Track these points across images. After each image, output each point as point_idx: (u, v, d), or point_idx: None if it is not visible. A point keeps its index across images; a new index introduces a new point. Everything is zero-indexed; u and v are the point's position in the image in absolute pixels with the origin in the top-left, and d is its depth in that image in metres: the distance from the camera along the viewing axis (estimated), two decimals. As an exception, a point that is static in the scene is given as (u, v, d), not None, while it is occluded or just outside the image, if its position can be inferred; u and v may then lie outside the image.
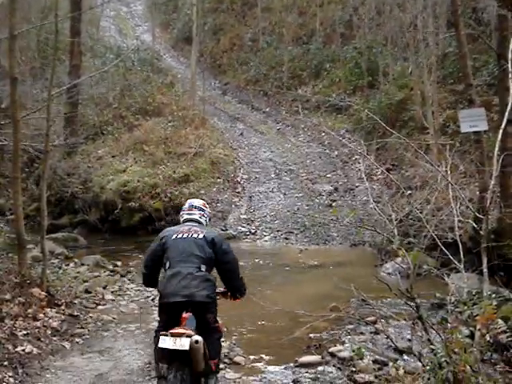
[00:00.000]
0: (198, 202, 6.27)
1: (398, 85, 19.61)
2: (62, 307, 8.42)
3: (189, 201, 6.36)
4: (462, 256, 6.34)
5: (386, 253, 12.46)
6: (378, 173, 17.14)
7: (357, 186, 17.41)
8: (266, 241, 15.65)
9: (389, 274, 11.20)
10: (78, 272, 11.45)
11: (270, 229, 16.29)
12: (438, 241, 6.56)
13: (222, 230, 16.52)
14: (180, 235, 5.74)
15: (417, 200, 11.70)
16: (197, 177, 18.61)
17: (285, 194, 18.06)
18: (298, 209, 16.96)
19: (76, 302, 8.85)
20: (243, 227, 16.61)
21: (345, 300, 9.70)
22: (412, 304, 5.27)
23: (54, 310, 8.24)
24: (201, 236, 5.70)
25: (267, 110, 25.49)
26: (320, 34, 26.48)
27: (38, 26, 17.67)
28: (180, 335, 5.09)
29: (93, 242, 16.10)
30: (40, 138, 15.93)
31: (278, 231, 16.09)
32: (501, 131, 7.50)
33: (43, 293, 8.34)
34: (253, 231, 16.33)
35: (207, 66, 28.72)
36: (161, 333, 5.23)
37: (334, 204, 16.91)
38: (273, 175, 19.38)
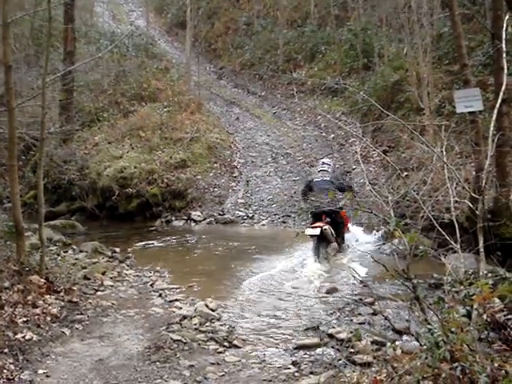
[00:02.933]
0: (326, 160, 13.09)
1: (393, 66, 19.57)
2: (61, 294, 8.45)
3: (320, 160, 13.39)
4: (458, 236, 6.37)
5: (382, 234, 12.52)
6: (375, 155, 17.16)
7: (353, 169, 17.42)
8: (264, 225, 15.67)
9: (386, 255, 11.24)
10: (76, 259, 11.47)
11: (267, 213, 16.32)
12: (435, 221, 6.59)
13: (220, 214, 16.56)
14: (318, 179, 11.83)
15: (413, 181, 11.73)
16: (193, 162, 18.61)
17: (282, 178, 18.07)
18: (294, 192, 16.98)
19: (75, 288, 8.86)
20: (240, 211, 16.64)
21: (343, 281, 9.77)
22: (409, 284, 5.29)
23: (53, 296, 8.26)
24: (327, 178, 11.74)
25: (263, 93, 25.46)
26: (315, 17, 26.41)
27: (32, 13, 17.56)
28: (315, 227, 10.93)
29: (91, 229, 16.13)
30: (36, 125, 15.91)
31: (275, 215, 16.11)
32: (496, 111, 7.51)
33: (42, 280, 8.36)
34: (250, 215, 16.35)
35: (202, 50, 28.64)
36: (307, 226, 11.42)
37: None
38: (269, 159, 19.39)
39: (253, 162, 19.35)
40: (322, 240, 10.99)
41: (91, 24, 27.37)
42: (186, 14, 25.34)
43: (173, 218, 16.98)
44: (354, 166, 17.42)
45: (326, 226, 10.97)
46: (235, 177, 18.65)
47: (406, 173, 13.10)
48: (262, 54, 26.99)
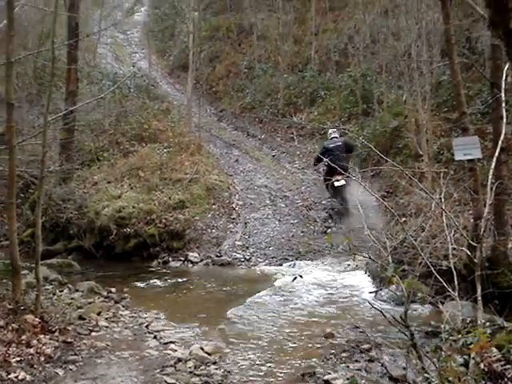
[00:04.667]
0: (333, 129, 18.40)
1: (392, 112, 19.75)
2: (56, 334, 8.39)
3: (330, 130, 18.47)
4: (456, 284, 6.37)
5: (380, 280, 12.46)
6: (373, 200, 17.19)
7: (352, 213, 17.42)
8: (261, 267, 15.62)
9: (383, 301, 11.19)
10: (72, 298, 11.40)
11: (265, 255, 16.27)
12: (433, 268, 6.59)
13: (217, 256, 16.50)
14: (332, 144, 17.21)
15: (411, 227, 11.76)
16: (192, 203, 18.62)
17: (280, 221, 18.07)
18: (292, 235, 16.97)
19: (70, 328, 8.80)
20: (238, 253, 16.58)
21: (340, 327, 9.71)
22: (406, 332, 5.27)
23: (47, 336, 8.20)
24: (339, 143, 17.21)
25: (262, 136, 25.58)
26: (315, 62, 26.67)
27: (36, 53, 17.76)
28: (339, 180, 16.38)
29: (87, 268, 16.05)
30: (36, 163, 15.98)
31: (272, 258, 16.07)
32: (494, 159, 7.57)
33: (37, 319, 8.31)
34: (247, 257, 16.30)
35: (203, 92, 28.84)
36: (332, 179, 16.34)
37: (328, 231, 16.93)
38: (268, 201, 19.41)
39: (251, 204, 19.36)
40: (344, 187, 16.66)
41: (94, 65, 27.64)
42: (188, 56, 25.62)
43: (170, 259, 16.91)
44: (353, 211, 17.42)
45: (344, 178, 16.25)
46: (233, 218, 18.64)
47: (404, 218, 13.13)
48: (263, 97, 27.19)
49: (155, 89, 28.79)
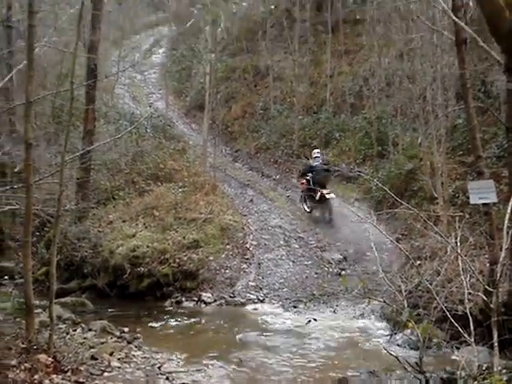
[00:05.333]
0: (317, 151, 20.70)
1: (407, 155, 19.77)
2: (68, 374, 8.35)
3: (314, 151, 20.84)
4: (472, 329, 6.30)
5: (395, 324, 12.35)
6: (388, 242, 17.12)
7: (366, 255, 17.36)
8: (274, 309, 15.52)
9: (398, 345, 11.08)
10: (84, 338, 11.37)
11: (278, 297, 16.18)
12: (448, 313, 6.55)
13: (230, 296, 16.44)
14: (315, 163, 19.94)
15: (426, 271, 11.68)
16: (206, 243, 18.60)
17: (294, 262, 18.00)
18: (306, 277, 16.90)
19: (82, 368, 8.76)
20: (251, 294, 16.51)
21: (354, 371, 9.61)
22: (421, 378, 5.21)
23: (60, 376, 8.17)
24: (322, 162, 19.99)
25: (277, 177, 25.63)
26: (330, 104, 26.82)
27: (54, 93, 17.99)
28: (329, 193, 19.23)
29: (101, 307, 16.04)
30: (52, 202, 16.07)
31: (286, 299, 15.97)
32: (510, 203, 7.54)
33: (50, 359, 8.29)
34: (261, 298, 16.22)
35: (219, 132, 28.99)
36: (318, 192, 19.33)
37: (343, 273, 16.84)
38: (282, 242, 19.36)
39: (265, 244, 19.32)
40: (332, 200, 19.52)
41: (111, 105, 27.92)
42: (205, 97, 25.83)
43: (183, 299, 16.85)
44: (367, 253, 17.35)
45: (332, 191, 19.60)
46: (247, 259, 18.59)
47: (419, 261, 13.03)
48: (278, 138, 27.29)
49: (171, 129, 29.00)
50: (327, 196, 19.19)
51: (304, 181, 20.50)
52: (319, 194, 19.42)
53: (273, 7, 31.65)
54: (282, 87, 30.15)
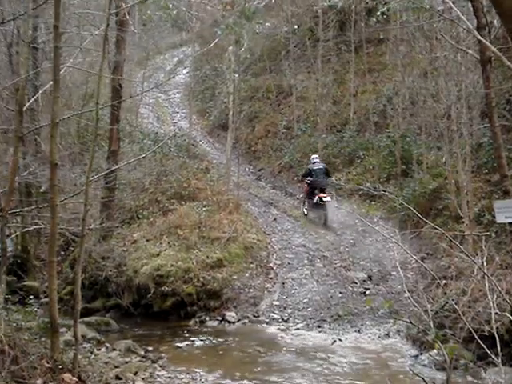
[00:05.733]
0: (315, 156, 22.01)
1: (432, 173, 19.66)
2: (93, 393, 8.36)
3: (312, 156, 22.12)
4: (499, 350, 6.21)
5: (421, 344, 12.22)
6: (413, 261, 16.99)
7: (391, 274, 17.24)
8: (298, 329, 15.44)
9: (424, 366, 10.95)
10: (109, 357, 11.41)
11: (302, 316, 16.10)
12: (475, 333, 6.46)
13: (254, 316, 16.40)
14: (315, 167, 21.09)
15: (452, 290, 11.58)
16: (230, 262, 18.60)
17: (318, 281, 17.92)
18: (331, 296, 16.80)
19: (107, 388, 8.77)
20: (275, 314, 16.46)
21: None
22: (449, 401, 5.14)
23: (84, 395, 8.18)
24: (321, 166, 21.19)
25: (301, 195, 25.58)
26: (354, 123, 26.78)
27: (79, 113, 18.18)
28: (326, 196, 20.60)
29: (125, 326, 16.08)
30: (77, 221, 16.19)
31: (310, 319, 15.89)
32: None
33: (74, 378, 8.30)
34: (285, 318, 16.15)
35: (242, 151, 29.08)
36: (316, 195, 20.77)
37: (367, 292, 16.74)
38: (306, 261, 19.29)
39: (289, 263, 19.27)
40: (328, 203, 20.88)
41: (136, 124, 28.10)
42: (228, 116, 25.94)
43: (207, 318, 16.84)
44: (392, 272, 17.24)
45: (329, 195, 21.10)
46: (271, 278, 18.54)
47: (444, 281, 12.92)
48: (301, 157, 27.27)
49: (195, 148, 29.14)
50: (324, 199, 20.62)
51: (306, 184, 21.77)
52: (317, 197, 20.91)
53: (296, 27, 31.72)
54: (305, 106, 30.20)
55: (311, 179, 21.16)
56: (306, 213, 22.15)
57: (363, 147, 25.06)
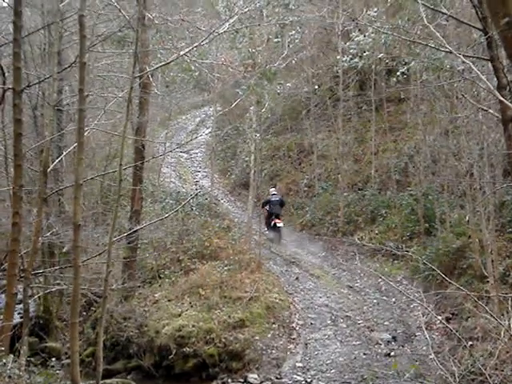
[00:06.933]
0: (273, 189, 28.46)
1: (455, 232, 19.51)
2: None
3: (271, 189, 28.49)
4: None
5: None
6: (438, 322, 16.73)
7: (416, 335, 16.97)
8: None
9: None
10: (129, 421, 11.26)
11: (326, 378, 15.83)
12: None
13: (277, 378, 16.18)
14: (272, 198, 26.94)
15: (479, 352, 11.36)
16: (252, 322, 18.44)
17: (341, 342, 17.67)
18: (354, 358, 16.53)
19: None
20: (298, 376, 16.21)
21: None
22: None
23: None
24: (278, 198, 27.06)
25: (323, 254, 25.46)
26: (375, 181, 26.82)
27: (103, 174, 18.41)
28: (279, 222, 26.31)
29: (146, 389, 15.92)
30: (99, 281, 16.25)
31: (334, 381, 15.62)
32: None
33: None
34: (308, 380, 15.89)
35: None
36: (273, 221, 26.35)
37: (392, 353, 16.46)
38: (329, 321, 19.07)
39: (312, 324, 19.06)
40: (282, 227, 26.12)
41: (158, 184, 28.35)
42: (249, 175, 26.12)
43: (229, 380, 16.64)
44: (416, 333, 16.97)
45: (281, 221, 26.41)
46: (293, 339, 18.33)
47: (470, 343, 12.70)
48: (323, 215, 27.28)
49: (217, 206, 29.26)
50: (278, 224, 26.11)
51: (266, 211, 26.79)
52: (273, 222, 26.22)
53: (317, 87, 32.08)
54: (326, 164, 30.35)
55: (269, 208, 26.65)
56: (266, 232, 26.66)
57: (385, 205, 25.00)
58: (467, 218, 18.68)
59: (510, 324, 7.56)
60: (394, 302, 19.61)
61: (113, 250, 12.13)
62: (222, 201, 32.80)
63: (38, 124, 20.30)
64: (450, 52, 10.05)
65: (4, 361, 8.74)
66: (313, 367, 16.55)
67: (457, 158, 19.24)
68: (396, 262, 22.13)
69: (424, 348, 15.62)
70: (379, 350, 16.86)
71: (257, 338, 17.84)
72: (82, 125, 9.67)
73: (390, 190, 25.58)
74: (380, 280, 20.83)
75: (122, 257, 19.13)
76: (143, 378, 17.31)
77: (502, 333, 8.58)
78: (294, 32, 24.89)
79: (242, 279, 20.30)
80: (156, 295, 19.96)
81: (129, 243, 18.36)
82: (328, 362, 16.69)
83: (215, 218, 26.27)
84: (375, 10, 20.45)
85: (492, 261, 15.75)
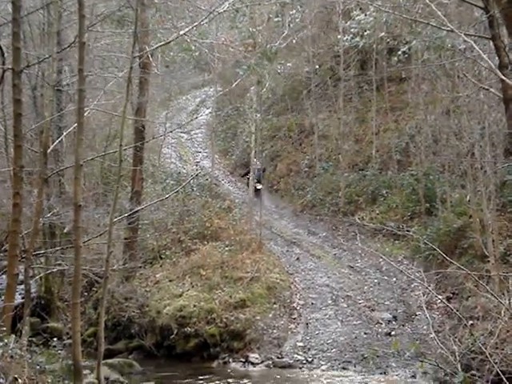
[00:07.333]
0: (256, 160, 26.66)
1: (456, 212, 19.48)
2: None
3: (254, 160, 25.97)
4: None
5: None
6: (438, 301, 16.77)
7: (416, 315, 17.01)
8: (323, 370, 15.24)
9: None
10: (131, 400, 11.32)
11: (327, 358, 15.90)
12: (503, 376, 6.34)
13: (278, 357, 16.24)
14: (256, 166, 26.55)
15: (479, 331, 11.38)
16: (253, 302, 18.49)
17: (342, 322, 17.72)
18: (355, 337, 16.59)
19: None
20: (299, 355, 16.28)
21: None
22: None
23: None
24: (259, 167, 27.77)
25: (323, 234, 25.45)
26: (376, 161, 26.73)
27: (103, 155, 18.37)
28: (259, 185, 27.51)
29: (148, 368, 15.98)
30: (100, 262, 16.25)
31: (335, 360, 15.69)
32: None
33: (97, 421, 8.24)
34: (309, 360, 15.96)
35: (264, 190, 29.14)
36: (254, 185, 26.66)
37: (392, 333, 16.51)
38: (329, 301, 19.11)
39: (312, 303, 19.10)
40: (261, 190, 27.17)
41: (158, 164, 28.27)
42: (250, 155, 26.05)
43: (230, 360, 16.71)
44: (417, 312, 17.01)
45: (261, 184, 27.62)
46: (294, 319, 18.38)
47: (471, 322, 12.72)
48: (324, 195, 27.22)
49: (217, 187, 29.23)
50: (257, 187, 27.29)
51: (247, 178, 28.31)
52: (254, 186, 26.68)
53: (317, 67, 31.88)
54: (327, 145, 30.23)
55: (254, 174, 27.75)
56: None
57: (386, 185, 24.94)
58: (468, 197, 18.66)
59: (510, 303, 7.56)
60: (395, 282, 19.64)
61: (114, 231, 12.15)
62: (222, 181, 32.75)
63: (37, 104, 20.19)
64: (452, 31, 9.99)
65: (6, 341, 8.77)
66: (314, 347, 16.61)
67: (458, 138, 19.17)
68: (397, 241, 22.11)
69: (424, 327, 15.67)
70: (380, 330, 16.92)
71: (258, 317, 17.89)
72: (82, 105, 9.65)
73: (391, 170, 25.51)
74: (381, 260, 20.85)
75: (122, 237, 19.13)
76: (145, 358, 17.36)
77: (503, 312, 8.59)
78: (294, 11, 24.76)
79: (242, 259, 20.32)
80: (157, 275, 19.99)
81: (130, 224, 18.35)
82: (329, 341, 16.74)
83: (216, 199, 26.24)
84: (376, -12, 20.28)
85: (493, 240, 15.75)
